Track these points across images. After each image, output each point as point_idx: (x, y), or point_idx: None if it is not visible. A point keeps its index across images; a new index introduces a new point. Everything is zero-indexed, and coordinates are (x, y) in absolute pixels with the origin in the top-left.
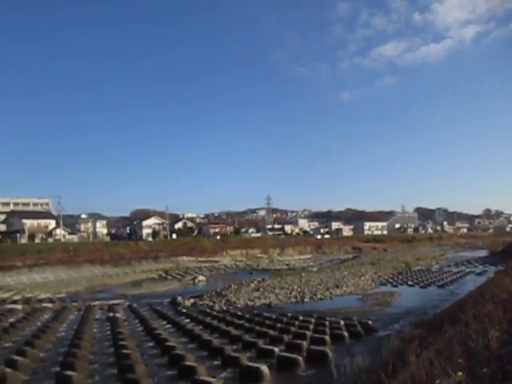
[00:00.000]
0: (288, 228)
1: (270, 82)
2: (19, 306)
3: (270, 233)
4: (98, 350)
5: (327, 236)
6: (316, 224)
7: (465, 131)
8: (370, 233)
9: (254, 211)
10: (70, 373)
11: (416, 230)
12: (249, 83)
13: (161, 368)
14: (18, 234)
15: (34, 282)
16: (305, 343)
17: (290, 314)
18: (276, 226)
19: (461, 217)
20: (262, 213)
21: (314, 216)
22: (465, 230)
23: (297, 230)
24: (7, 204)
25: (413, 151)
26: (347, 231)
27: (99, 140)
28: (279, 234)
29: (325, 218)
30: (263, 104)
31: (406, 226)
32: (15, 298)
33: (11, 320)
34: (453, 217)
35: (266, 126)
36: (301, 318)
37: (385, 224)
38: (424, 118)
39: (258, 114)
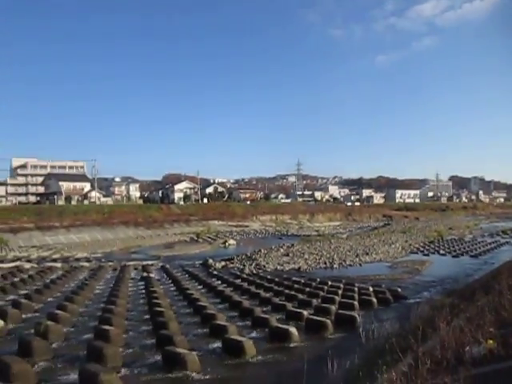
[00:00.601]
0: (318, 194)
1: (302, 44)
2: (58, 264)
3: (300, 199)
4: (133, 308)
5: (357, 203)
6: (346, 191)
7: (506, 96)
8: (401, 201)
9: (284, 177)
10: (107, 327)
11: (450, 198)
12: (281, 45)
13: (193, 326)
14: (55, 196)
15: (72, 242)
16: (333, 307)
17: (318, 279)
18: (306, 193)
19: (498, 186)
20: (292, 179)
21: (344, 183)
22: (502, 200)
23: (327, 197)
24: (44, 167)
25: (450, 119)
26: (378, 199)
27: (134, 104)
28: (309, 201)
29: (356, 185)
30: (296, 67)
31: (439, 194)
32: (54, 256)
33: (52, 277)
34: (489, 186)
35: (297, 90)
36: (330, 283)
37: (417, 192)
38: (462, 81)
39: (291, 77)
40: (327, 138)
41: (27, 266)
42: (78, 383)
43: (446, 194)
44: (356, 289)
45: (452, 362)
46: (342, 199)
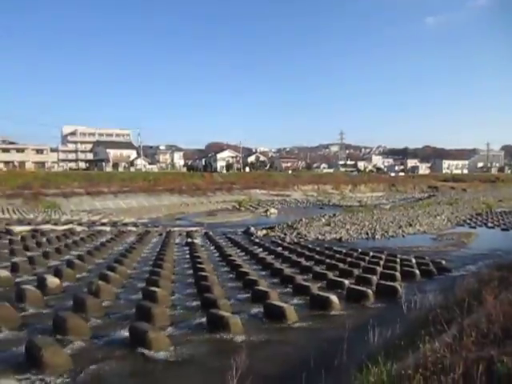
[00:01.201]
0: (361, 164)
1: (352, 7)
2: (107, 228)
3: (342, 169)
4: (178, 271)
5: (402, 174)
6: (390, 161)
7: None
8: (448, 172)
9: (326, 147)
10: (154, 289)
11: (501, 169)
12: (323, 12)
13: (235, 291)
14: (103, 163)
15: (119, 208)
16: (375, 278)
17: (360, 250)
18: (348, 163)
19: None
20: (335, 148)
21: (388, 153)
22: None
23: (370, 167)
24: (93, 134)
25: (503, 84)
26: (424, 169)
27: (178, 73)
28: (351, 171)
29: (400, 155)
30: (342, 31)
31: (489, 165)
32: (103, 220)
33: (101, 240)
34: None
35: (341, 57)
36: (371, 253)
37: (466, 163)
38: None
39: (339, 47)
40: (371, 106)
41: (79, 229)
42: (129, 339)
43: (497, 164)
44: (398, 260)
45: (499, 335)
46: (385, 169)
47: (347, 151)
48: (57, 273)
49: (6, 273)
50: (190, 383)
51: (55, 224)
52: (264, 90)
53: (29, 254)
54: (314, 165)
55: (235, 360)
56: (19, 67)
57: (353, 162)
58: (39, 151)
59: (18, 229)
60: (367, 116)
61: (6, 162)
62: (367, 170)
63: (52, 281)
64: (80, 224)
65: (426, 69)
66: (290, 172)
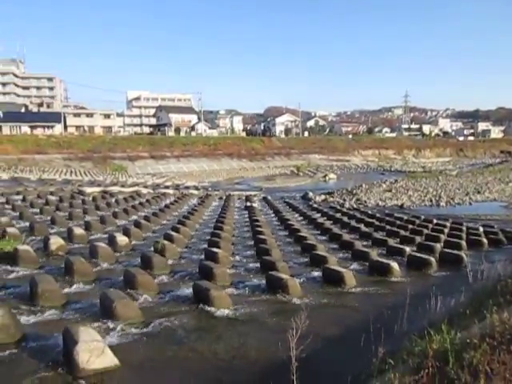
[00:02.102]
0: (426, 128)
1: None
2: (171, 191)
3: (406, 133)
4: (238, 234)
5: (471, 138)
6: (459, 124)
7: None
8: None
9: (389, 110)
10: (216, 250)
11: None
12: None
13: (294, 255)
14: (165, 128)
15: (181, 171)
16: (438, 245)
17: (423, 217)
18: (413, 126)
19: None
20: (399, 111)
21: (457, 116)
22: None
23: (436, 131)
24: (156, 99)
25: None
26: (496, 133)
27: (241, 38)
28: (416, 135)
29: (470, 117)
30: None
31: None
32: (167, 183)
33: (165, 202)
34: None
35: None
36: (435, 221)
37: None
38: None
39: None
40: (439, 65)
41: (144, 191)
42: (192, 296)
43: None
44: (464, 228)
45: None
46: (453, 133)
47: (412, 114)
48: (125, 232)
49: (80, 230)
50: (251, 340)
51: (122, 186)
52: (324, 53)
53: (100, 213)
54: (376, 129)
55: (295, 320)
56: (90, 34)
57: (417, 126)
58: (106, 116)
59: (89, 190)
60: (435, 76)
61: (77, 127)
62: (433, 134)
63: (121, 239)
64: (145, 186)
65: (496, 22)
66: (350, 136)
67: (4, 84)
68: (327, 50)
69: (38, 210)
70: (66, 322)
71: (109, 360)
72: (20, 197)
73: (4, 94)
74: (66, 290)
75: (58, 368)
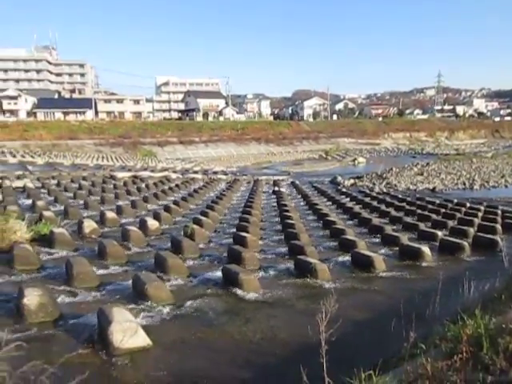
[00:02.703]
0: (460, 109)
1: None
2: (199, 176)
3: (439, 114)
4: (266, 218)
5: (508, 118)
6: (495, 105)
7: None
8: None
9: (421, 91)
10: (244, 234)
11: None
12: None
13: (322, 239)
14: (194, 113)
15: (209, 156)
16: (472, 230)
17: (455, 200)
18: (446, 107)
19: None
20: (431, 92)
21: (493, 95)
22: None
23: (470, 112)
24: (184, 84)
25: None
26: None
27: (265, 22)
28: (449, 116)
29: (507, 97)
30: None
31: None
32: (195, 169)
33: (194, 187)
34: None
35: None
36: (468, 204)
37: None
38: None
39: None
40: (473, 43)
41: (173, 176)
42: (222, 280)
43: None
44: (499, 211)
45: None
46: (488, 114)
47: (445, 95)
48: (156, 216)
49: (112, 214)
50: (280, 322)
51: (152, 171)
52: (353, 33)
53: (131, 198)
54: (407, 111)
55: (324, 304)
56: (119, 20)
57: (451, 107)
58: (136, 102)
59: (120, 175)
60: (469, 55)
61: (108, 113)
62: (467, 114)
63: (152, 223)
64: (174, 172)
65: None
66: (380, 119)
67: (38, 71)
68: (356, 29)
69: (72, 195)
70: (101, 303)
71: (141, 340)
72: (55, 181)
73: (38, 80)
74: (100, 272)
75: (93, 346)
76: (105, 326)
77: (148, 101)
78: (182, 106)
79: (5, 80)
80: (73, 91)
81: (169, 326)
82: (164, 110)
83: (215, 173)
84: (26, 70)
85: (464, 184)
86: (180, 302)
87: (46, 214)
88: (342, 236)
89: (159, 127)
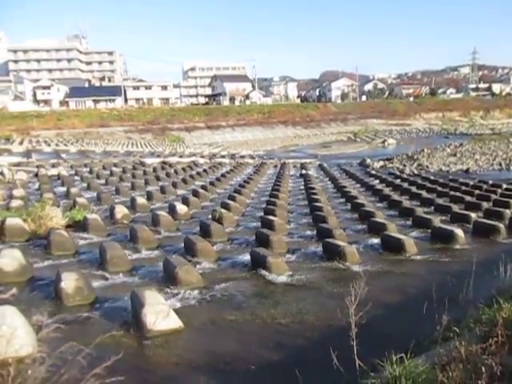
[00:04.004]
0: (497, 87)
1: None
2: (226, 160)
3: (473, 93)
4: (293, 202)
5: None
6: None
7: None
8: None
9: (454, 69)
10: (272, 218)
11: None
12: None
13: (351, 222)
14: (220, 97)
15: (236, 141)
16: (508, 211)
17: (491, 181)
18: (481, 86)
19: None
20: (465, 70)
21: None
22: None
23: (508, 90)
24: (210, 69)
25: None
26: None
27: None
28: (484, 95)
29: None
30: None
31: None
32: (223, 153)
33: (221, 171)
34: None
35: None
36: (504, 185)
37: None
38: None
39: None
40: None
41: (201, 161)
42: (250, 263)
43: None
44: None
45: None
46: None
47: (480, 73)
48: (184, 201)
49: (143, 200)
50: (309, 305)
51: (180, 156)
52: (380, 10)
53: (160, 183)
54: (440, 90)
55: (353, 287)
56: (144, 8)
57: (486, 85)
58: (164, 88)
59: (149, 161)
60: (506, 31)
61: (137, 99)
62: (504, 93)
63: (181, 208)
64: (202, 156)
65: None
66: (411, 99)
67: (69, 60)
68: (384, 6)
69: (104, 181)
70: (133, 286)
71: (173, 322)
72: (87, 169)
73: (69, 69)
74: (132, 257)
75: (127, 328)
76: (138, 309)
77: (175, 86)
78: (208, 91)
79: (38, 70)
80: (102, 79)
81: (199, 309)
82: (191, 96)
83: (242, 157)
84: (58, 60)
85: (500, 165)
86: (209, 285)
87: (80, 200)
88: (372, 219)
89: (186, 113)
